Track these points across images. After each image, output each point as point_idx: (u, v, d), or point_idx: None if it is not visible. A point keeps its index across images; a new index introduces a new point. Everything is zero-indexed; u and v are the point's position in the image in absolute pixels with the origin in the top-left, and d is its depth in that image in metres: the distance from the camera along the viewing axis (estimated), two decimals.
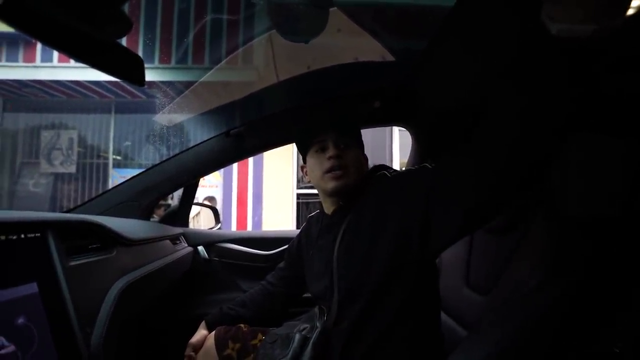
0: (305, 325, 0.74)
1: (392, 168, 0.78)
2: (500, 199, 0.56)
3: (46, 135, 4.52)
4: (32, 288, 0.48)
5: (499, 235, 0.84)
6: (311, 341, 0.69)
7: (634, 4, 0.51)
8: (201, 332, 0.87)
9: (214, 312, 0.92)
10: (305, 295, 1.03)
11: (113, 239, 0.73)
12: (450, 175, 0.59)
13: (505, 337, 0.56)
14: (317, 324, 0.72)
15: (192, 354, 0.83)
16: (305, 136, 0.79)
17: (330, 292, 0.73)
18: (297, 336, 0.71)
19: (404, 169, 0.75)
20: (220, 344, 0.83)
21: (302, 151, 0.81)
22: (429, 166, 0.67)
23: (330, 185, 0.74)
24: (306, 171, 0.81)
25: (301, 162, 0.84)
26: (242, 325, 0.87)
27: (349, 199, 0.75)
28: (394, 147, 4.74)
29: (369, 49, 1.11)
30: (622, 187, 0.68)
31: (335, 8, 1.05)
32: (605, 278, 0.62)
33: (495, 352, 0.55)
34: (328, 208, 0.79)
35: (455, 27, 0.80)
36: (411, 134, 1.32)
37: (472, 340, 0.60)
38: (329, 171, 0.73)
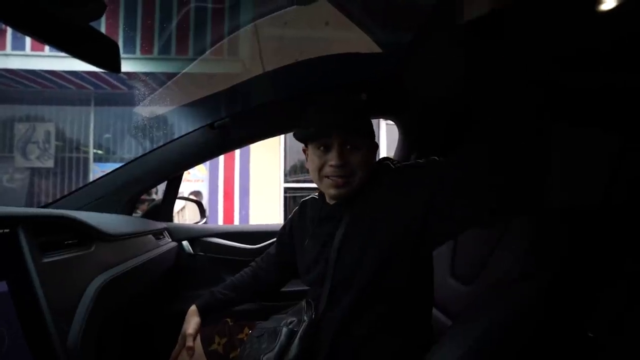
0: (293, 319, 0.73)
1: (395, 160, 0.75)
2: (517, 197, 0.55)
3: (20, 128, 4.33)
4: (1, 287, 0.45)
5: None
6: (298, 335, 0.69)
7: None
8: (194, 319, 0.84)
9: (204, 296, 0.89)
10: (291, 289, 1.03)
11: (91, 234, 0.70)
12: (463, 173, 0.58)
13: (489, 326, 0.57)
14: (305, 318, 0.71)
15: (192, 345, 0.79)
16: (306, 136, 0.72)
17: (321, 281, 0.72)
18: (284, 330, 0.70)
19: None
20: (206, 339, 0.82)
21: (302, 142, 0.75)
22: (437, 159, 0.66)
23: (329, 192, 0.70)
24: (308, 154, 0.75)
25: (290, 153, 0.80)
26: (228, 319, 0.86)
27: (353, 195, 0.71)
28: (381, 140, 4.77)
29: (356, 42, 1.10)
30: (601, 179, 0.70)
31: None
32: (585, 267, 0.64)
33: (479, 341, 0.56)
34: (329, 199, 0.76)
35: (441, 19, 0.79)
36: (398, 126, 1.32)
37: (456, 329, 0.61)
38: (329, 176, 0.68)
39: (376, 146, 0.74)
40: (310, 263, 0.76)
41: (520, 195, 0.55)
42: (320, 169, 0.70)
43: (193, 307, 0.86)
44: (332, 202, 0.75)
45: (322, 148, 0.69)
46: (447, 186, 0.59)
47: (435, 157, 0.67)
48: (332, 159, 0.67)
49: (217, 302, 0.88)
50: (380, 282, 0.66)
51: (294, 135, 0.75)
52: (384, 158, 0.77)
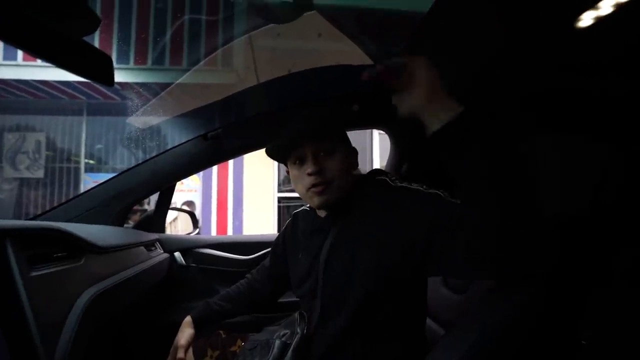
0: (285, 331, 0.72)
1: (393, 175, 0.74)
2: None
3: (10, 138, 4.27)
4: None
5: None
6: (291, 347, 0.68)
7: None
8: (188, 331, 0.82)
9: (199, 307, 0.88)
10: (284, 300, 1.02)
11: (80, 246, 0.69)
12: (467, 237, 0.54)
13: (482, 335, 0.57)
14: (298, 330, 0.71)
15: (182, 356, 0.78)
16: (279, 152, 0.72)
17: (313, 295, 0.72)
18: (277, 342, 0.69)
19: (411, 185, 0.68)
20: (199, 351, 0.81)
21: (281, 162, 0.75)
22: (442, 195, 0.62)
23: (314, 202, 0.70)
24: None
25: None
26: (221, 331, 0.85)
27: (340, 204, 0.71)
28: (374, 150, 4.81)
29: (348, 53, 1.13)
30: (589, 187, 0.72)
31: (315, 12, 1.06)
32: (576, 275, 0.65)
33: (474, 346, 0.56)
34: (320, 212, 0.76)
35: (429, 31, 0.82)
36: (390, 136, 1.34)
37: (451, 336, 0.61)
38: (310, 188, 0.69)
39: (354, 151, 0.74)
40: (303, 275, 0.76)
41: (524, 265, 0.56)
42: (301, 184, 0.70)
43: (188, 318, 0.85)
44: (322, 215, 0.75)
45: (297, 162, 0.70)
46: (450, 247, 0.56)
47: (439, 192, 0.64)
48: (308, 168, 0.67)
49: (213, 313, 0.87)
50: (372, 302, 0.65)
51: (266, 152, 0.75)
52: (378, 171, 0.76)
